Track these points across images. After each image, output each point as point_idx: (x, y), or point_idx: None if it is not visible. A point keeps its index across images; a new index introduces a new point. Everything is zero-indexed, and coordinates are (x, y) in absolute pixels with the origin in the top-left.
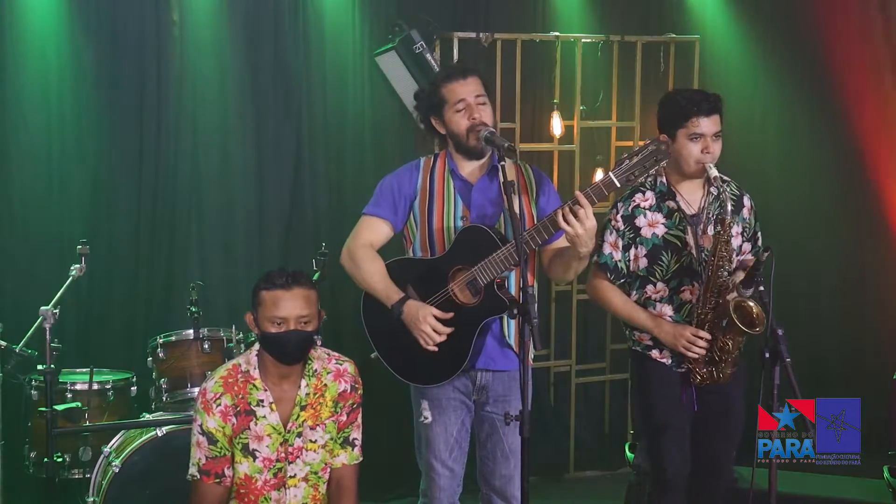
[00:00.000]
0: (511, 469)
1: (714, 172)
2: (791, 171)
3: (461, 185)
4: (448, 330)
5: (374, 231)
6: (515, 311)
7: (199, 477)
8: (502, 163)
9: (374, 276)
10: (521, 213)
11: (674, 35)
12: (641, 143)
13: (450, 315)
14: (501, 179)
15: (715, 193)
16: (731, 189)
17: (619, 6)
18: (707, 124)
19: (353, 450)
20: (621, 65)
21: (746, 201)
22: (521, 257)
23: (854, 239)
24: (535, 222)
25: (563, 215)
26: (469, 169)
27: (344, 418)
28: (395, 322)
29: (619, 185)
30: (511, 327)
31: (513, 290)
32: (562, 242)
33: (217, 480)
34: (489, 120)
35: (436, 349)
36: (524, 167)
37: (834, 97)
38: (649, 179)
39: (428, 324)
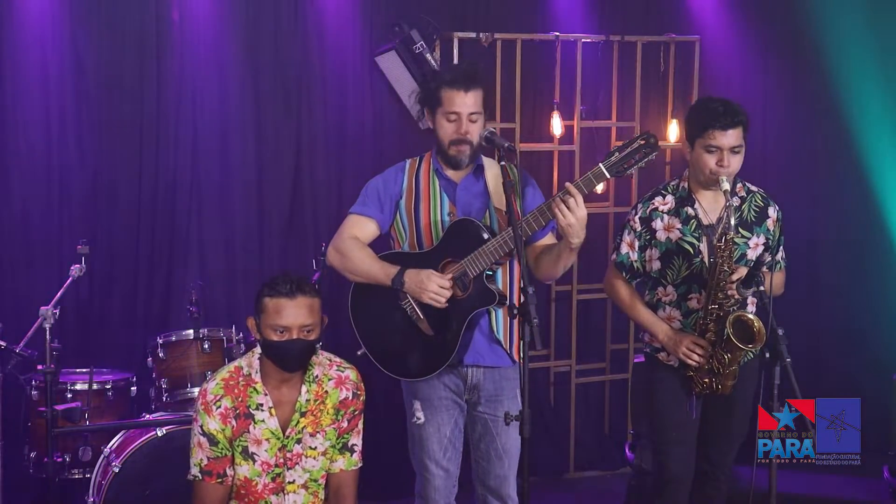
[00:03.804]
0: (505, 469)
1: (726, 186)
2: (791, 172)
3: (446, 184)
4: (450, 283)
5: (360, 228)
6: (515, 311)
7: (200, 478)
8: (503, 163)
9: (366, 259)
10: (509, 212)
11: (674, 35)
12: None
13: (449, 276)
14: (502, 180)
15: (736, 204)
16: (755, 200)
17: (619, 6)
18: (724, 138)
19: (351, 455)
20: (621, 65)
21: (772, 212)
22: (520, 254)
23: (854, 239)
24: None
25: (556, 205)
26: (453, 169)
27: (345, 424)
28: (385, 314)
29: (608, 176)
30: (500, 322)
31: (501, 287)
32: (548, 240)
33: (219, 480)
34: (475, 137)
35: (446, 305)
36: (510, 167)
37: (835, 97)
38: (672, 183)
39: (434, 282)
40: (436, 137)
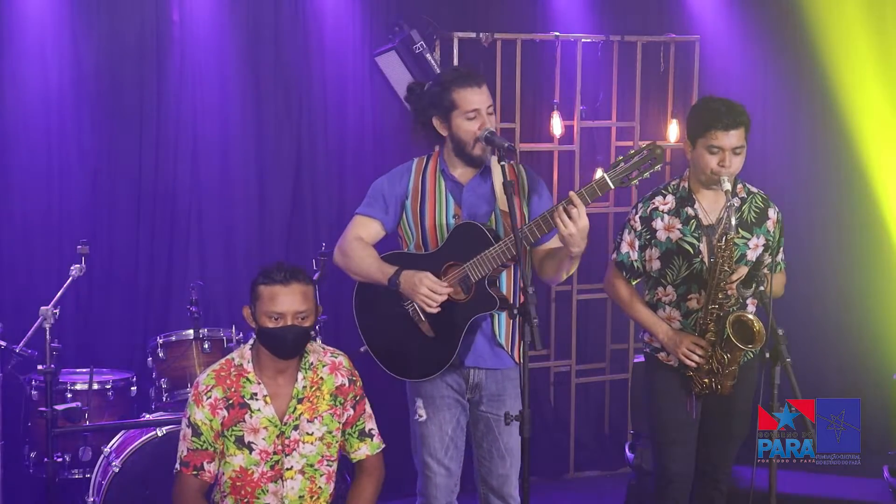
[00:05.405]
0: (508, 468)
1: (727, 186)
2: (791, 172)
3: (452, 186)
4: (447, 289)
5: (364, 228)
6: (515, 312)
7: (179, 469)
8: (503, 163)
9: (366, 259)
10: (511, 214)
11: (674, 35)
12: (643, 143)
13: (446, 280)
14: (503, 179)
15: (736, 205)
16: (755, 201)
17: (619, 6)
18: (726, 139)
19: (372, 440)
20: (621, 65)
21: (772, 213)
22: (520, 256)
23: (854, 239)
24: (527, 222)
25: (558, 214)
26: (461, 170)
27: (351, 412)
28: (388, 313)
29: (612, 186)
30: (502, 326)
31: (504, 291)
32: (553, 243)
33: (195, 473)
34: (494, 129)
35: (438, 310)
36: (518, 168)
37: (835, 98)
38: (672, 182)
39: (425, 286)
40: (455, 142)
